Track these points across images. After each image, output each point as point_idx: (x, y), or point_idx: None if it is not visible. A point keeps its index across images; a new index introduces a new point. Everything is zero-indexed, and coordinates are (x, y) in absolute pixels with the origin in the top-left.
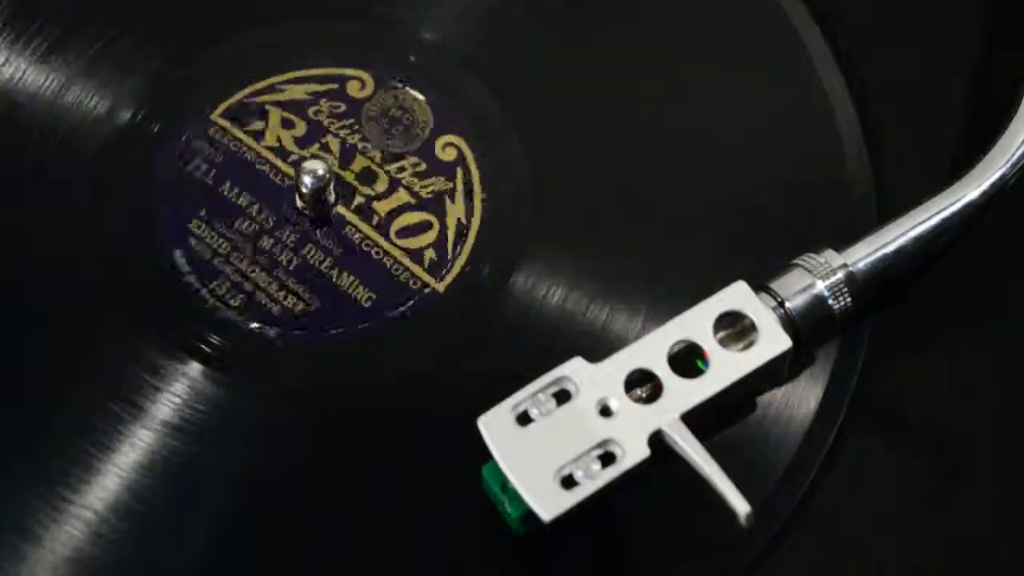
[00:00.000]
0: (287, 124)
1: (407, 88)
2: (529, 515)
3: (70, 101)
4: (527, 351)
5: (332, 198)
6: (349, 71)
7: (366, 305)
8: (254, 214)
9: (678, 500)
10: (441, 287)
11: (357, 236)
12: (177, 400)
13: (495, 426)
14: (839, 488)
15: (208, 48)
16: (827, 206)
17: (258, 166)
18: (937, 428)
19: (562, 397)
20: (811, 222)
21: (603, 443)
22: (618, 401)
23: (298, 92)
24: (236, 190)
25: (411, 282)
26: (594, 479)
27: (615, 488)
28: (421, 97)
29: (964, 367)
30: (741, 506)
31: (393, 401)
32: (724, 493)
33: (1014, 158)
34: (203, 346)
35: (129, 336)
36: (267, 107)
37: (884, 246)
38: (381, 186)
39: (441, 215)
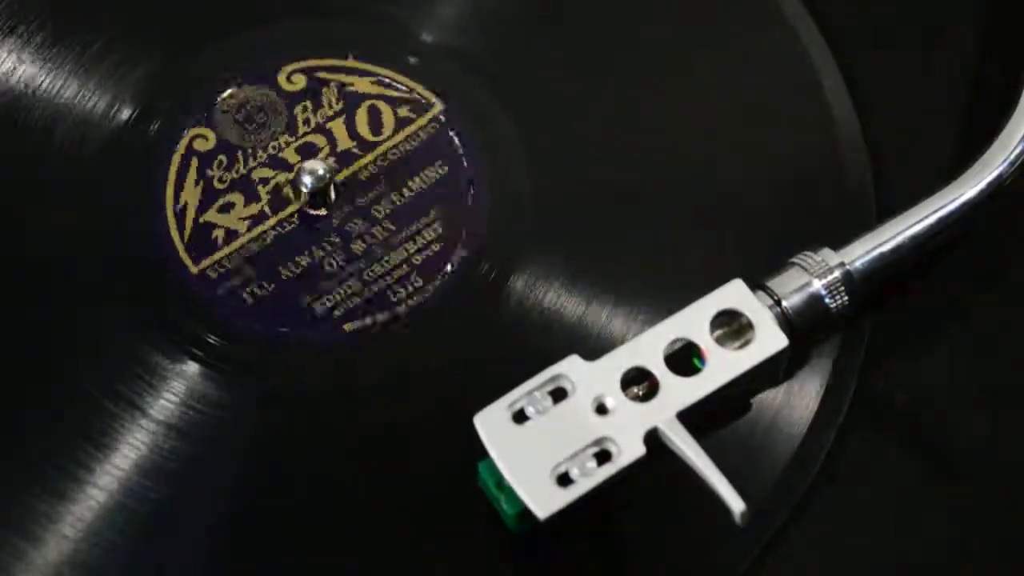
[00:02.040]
0: (227, 208)
1: (220, 99)
2: (525, 512)
3: (70, 100)
4: (526, 351)
5: (334, 193)
6: (186, 139)
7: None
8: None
9: (677, 499)
10: (441, 104)
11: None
12: (176, 400)
13: (491, 424)
14: (839, 488)
15: (207, 48)
16: (826, 205)
17: (267, 242)
18: (937, 428)
19: (558, 395)
20: (810, 221)
21: (599, 441)
22: (614, 399)
23: (193, 192)
24: (290, 265)
25: (429, 128)
26: (590, 477)
27: (611, 486)
28: (232, 89)
29: (964, 366)
30: (736, 504)
31: (392, 400)
32: (719, 491)
33: (1011, 157)
34: (202, 346)
35: (128, 336)
36: (200, 220)
37: (881, 245)
38: (321, 142)
39: (363, 97)
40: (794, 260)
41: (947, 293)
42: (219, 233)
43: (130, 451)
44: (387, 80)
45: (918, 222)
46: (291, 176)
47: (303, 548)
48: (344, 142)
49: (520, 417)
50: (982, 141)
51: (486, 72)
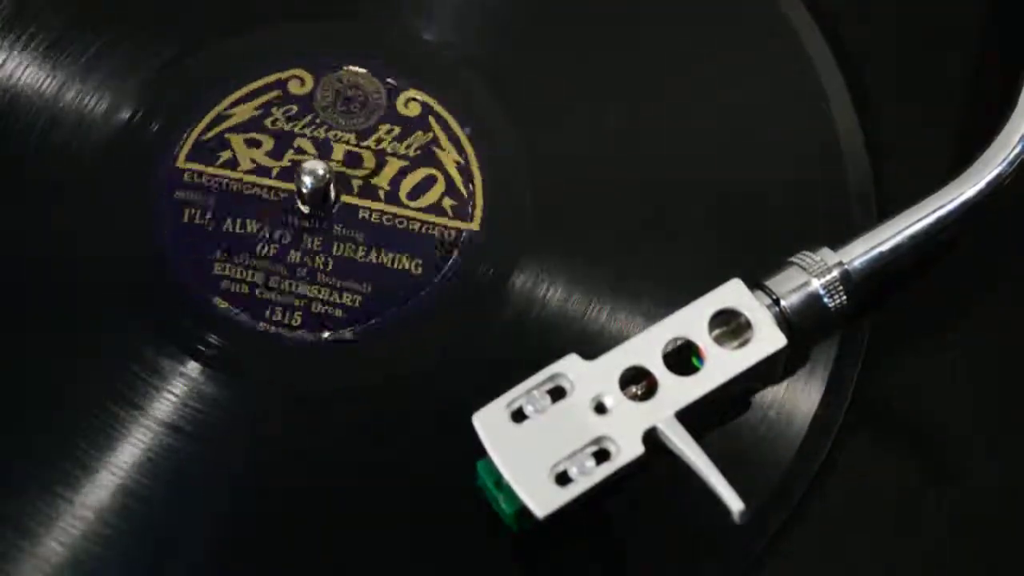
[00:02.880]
0: (253, 144)
1: (344, 67)
2: (523, 511)
3: (70, 101)
4: (526, 350)
5: (333, 192)
6: (285, 73)
7: (417, 272)
8: (268, 236)
9: (678, 499)
10: (476, 225)
11: (374, 216)
12: (176, 400)
13: (490, 423)
14: (839, 489)
15: (208, 48)
16: (826, 205)
17: (247, 192)
18: (937, 428)
19: (557, 394)
20: (810, 221)
21: (598, 440)
22: (613, 398)
23: (247, 111)
24: (239, 221)
25: (445, 234)
26: (588, 476)
27: (610, 485)
28: (363, 70)
29: (964, 366)
30: (735, 503)
31: (391, 400)
32: (718, 490)
33: (1010, 156)
34: (202, 346)
35: (128, 336)
36: (225, 135)
37: (880, 244)
38: (370, 163)
39: (438, 165)
40: (793, 259)
41: (947, 293)
42: (226, 154)
43: (130, 451)
44: (466, 168)
45: (917, 222)
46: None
47: (303, 548)
48: (381, 183)
49: (519, 416)
50: (982, 141)
51: (486, 72)
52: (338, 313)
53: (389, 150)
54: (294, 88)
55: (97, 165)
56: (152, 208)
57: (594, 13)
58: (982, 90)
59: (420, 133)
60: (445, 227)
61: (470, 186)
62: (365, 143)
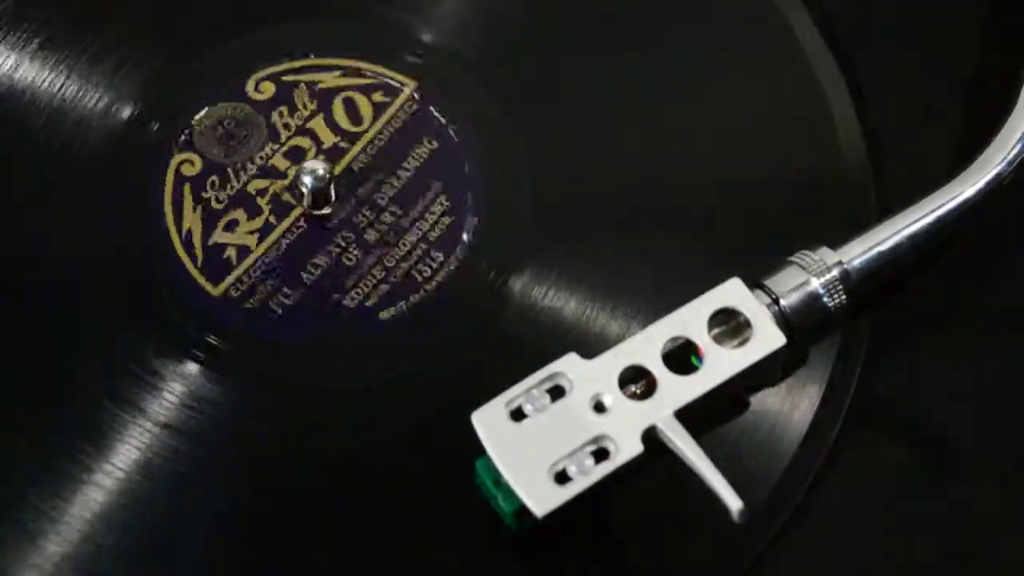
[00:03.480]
0: (232, 227)
1: (192, 123)
2: (522, 510)
3: (70, 101)
4: (526, 350)
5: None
6: (172, 167)
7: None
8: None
9: (677, 498)
10: (413, 82)
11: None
12: (176, 400)
13: (489, 421)
14: (839, 488)
15: (207, 48)
16: (826, 205)
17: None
18: (937, 428)
19: (556, 393)
20: (810, 220)
21: (597, 439)
22: (612, 397)
23: (194, 220)
24: (310, 266)
25: (406, 108)
26: (587, 475)
27: (609, 484)
28: (201, 113)
29: (964, 366)
30: (734, 503)
31: (391, 399)
32: (717, 489)
33: (1010, 156)
34: (201, 346)
35: (128, 336)
36: (210, 244)
37: (879, 244)
38: (307, 143)
39: (333, 93)
40: (792, 259)
41: (947, 293)
42: (231, 252)
43: (130, 451)
44: (353, 69)
45: (916, 221)
46: (287, 182)
47: (302, 547)
48: (329, 138)
49: (518, 415)
50: (981, 140)
51: (486, 72)
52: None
53: (299, 122)
54: (188, 170)
55: (97, 165)
56: (152, 208)
57: (594, 13)
58: (982, 90)
59: (296, 91)
60: (397, 107)
61: (369, 72)
62: (283, 138)
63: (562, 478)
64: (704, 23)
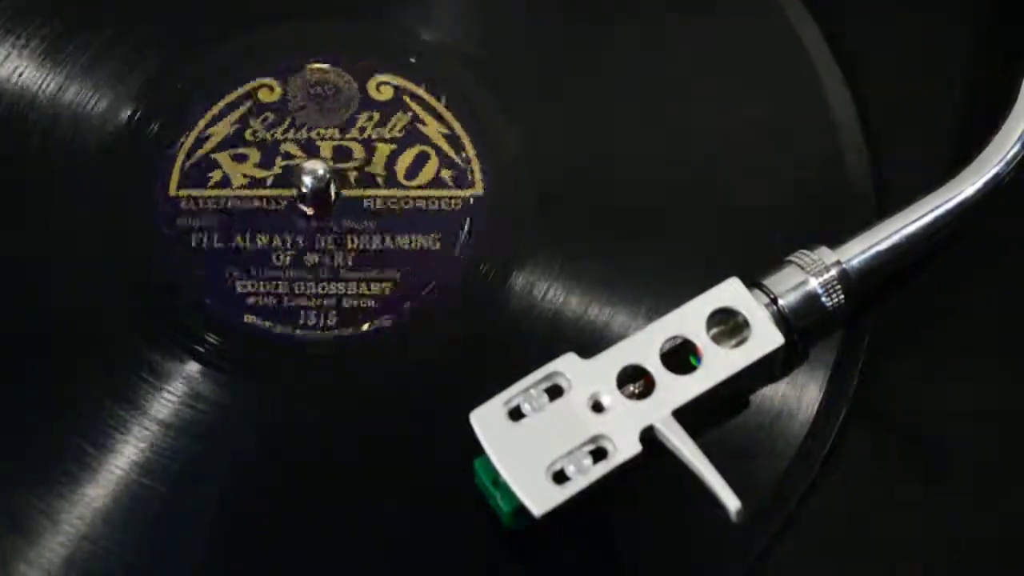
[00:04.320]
0: (240, 159)
1: (308, 66)
2: (521, 509)
3: (69, 101)
4: (526, 350)
5: (333, 190)
6: (252, 84)
7: (437, 248)
8: (281, 245)
9: (676, 498)
10: (481, 190)
11: (378, 203)
12: (176, 399)
13: (487, 421)
14: (839, 489)
15: (207, 48)
16: (825, 205)
17: (247, 206)
18: (937, 428)
19: (554, 392)
20: (809, 220)
21: (595, 438)
22: (610, 397)
23: (224, 128)
24: (248, 236)
25: (452, 204)
26: (585, 474)
27: (607, 484)
28: (325, 65)
29: (963, 366)
30: (732, 502)
31: (390, 399)
32: (715, 489)
33: (1009, 156)
34: (202, 346)
35: (128, 336)
36: (211, 155)
37: (878, 243)
38: (359, 153)
39: (425, 140)
40: (791, 258)
41: (946, 292)
42: (216, 174)
43: (130, 451)
44: (453, 135)
45: (915, 221)
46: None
47: (302, 547)
48: (376, 168)
49: (516, 414)
50: (980, 140)
51: (486, 72)
52: (371, 304)
53: (374, 136)
54: (265, 96)
55: (97, 165)
56: (152, 207)
57: (594, 13)
58: (981, 90)
59: (399, 113)
60: (450, 199)
61: (463, 153)
62: (349, 135)
63: (560, 478)
64: (705, 23)
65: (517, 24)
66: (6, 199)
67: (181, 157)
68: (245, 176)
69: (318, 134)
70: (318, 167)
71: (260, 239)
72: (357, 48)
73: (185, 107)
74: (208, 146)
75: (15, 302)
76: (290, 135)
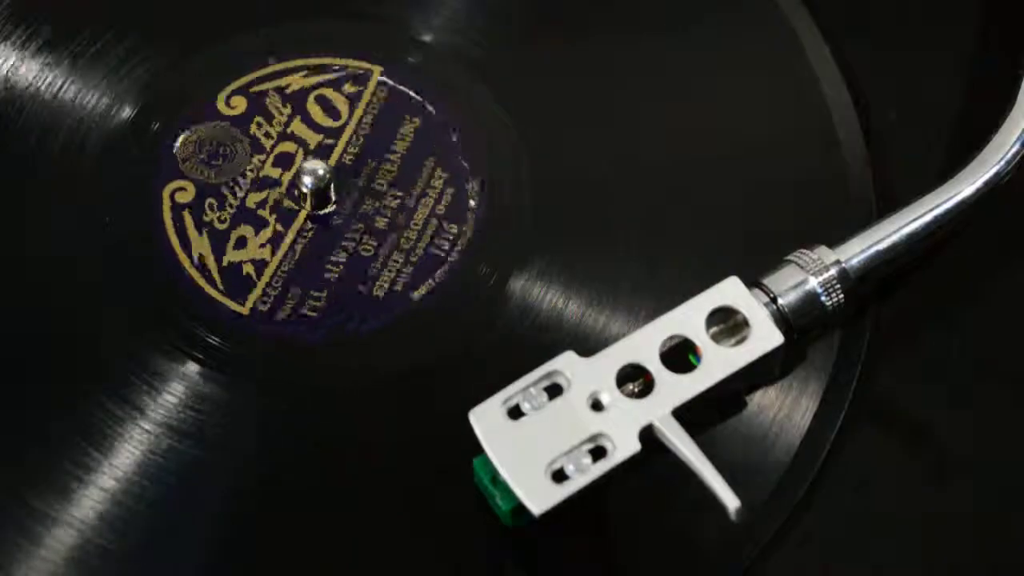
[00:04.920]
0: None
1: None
2: (520, 508)
3: (70, 101)
4: (525, 350)
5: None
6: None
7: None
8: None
9: (676, 497)
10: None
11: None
12: (176, 400)
13: (486, 419)
14: (839, 488)
15: (207, 48)
16: (824, 203)
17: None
18: (937, 427)
19: (554, 391)
20: (809, 220)
21: (594, 437)
22: (610, 395)
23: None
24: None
25: (445, 226)
26: (585, 473)
27: (606, 482)
28: (224, 124)
29: (963, 366)
30: (731, 501)
31: (390, 399)
32: (714, 488)
33: (1008, 155)
34: (202, 346)
35: (129, 336)
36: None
37: (877, 243)
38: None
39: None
40: (790, 258)
41: (946, 292)
42: (249, 268)
43: (130, 451)
44: (316, 66)
45: (914, 220)
46: (283, 189)
47: (302, 546)
48: (313, 138)
49: (515, 413)
50: (980, 139)
51: (486, 72)
52: (371, 303)
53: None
54: (181, 198)
55: (97, 165)
56: (152, 207)
57: (594, 13)
58: (981, 89)
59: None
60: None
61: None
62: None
63: (559, 476)
64: (704, 22)
65: (517, 24)
66: (6, 199)
67: (209, 288)
68: (263, 247)
69: (252, 171)
70: (318, 167)
71: (338, 258)
72: (357, 48)
73: (185, 107)
74: (211, 263)
75: (15, 302)
76: (240, 193)
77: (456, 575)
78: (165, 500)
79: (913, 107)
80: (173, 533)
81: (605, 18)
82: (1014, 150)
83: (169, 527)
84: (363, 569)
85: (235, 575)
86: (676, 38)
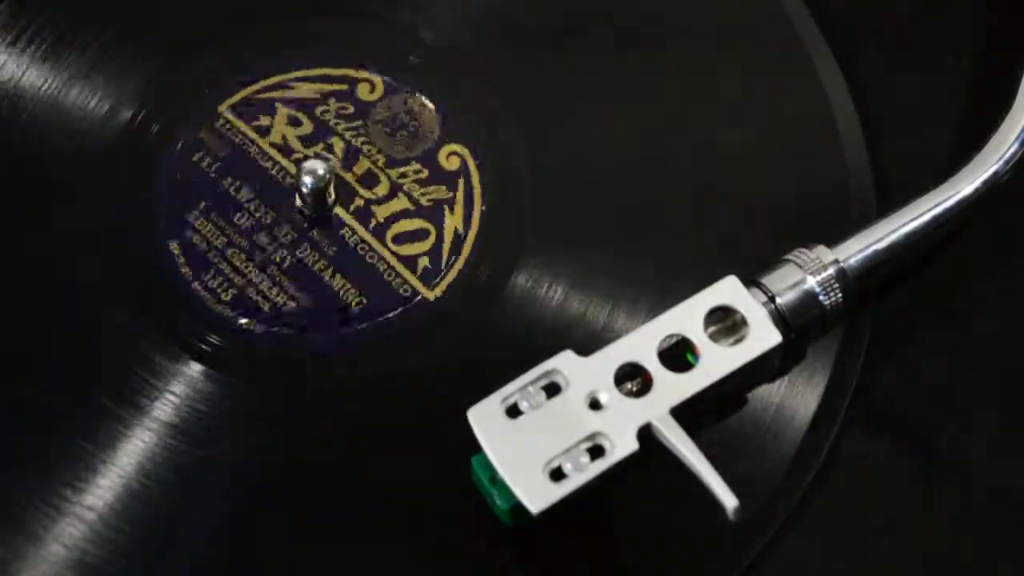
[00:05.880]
0: (293, 122)
1: (418, 94)
2: (518, 507)
3: (70, 101)
4: (525, 349)
5: (332, 199)
6: (362, 73)
7: (355, 309)
8: (253, 210)
9: (676, 497)
10: (431, 296)
11: (353, 239)
12: (177, 400)
13: (485, 418)
14: (839, 488)
15: (208, 49)
16: (823, 202)
17: (261, 162)
18: (937, 426)
19: (552, 390)
20: (808, 219)
21: (592, 436)
22: (608, 394)
23: (308, 91)
24: (237, 184)
25: (402, 288)
26: (583, 472)
27: (604, 481)
28: (431, 105)
29: (963, 365)
30: (729, 500)
31: (390, 398)
32: (712, 487)
33: (1007, 154)
34: (203, 346)
35: (129, 336)
36: (276, 103)
37: (876, 242)
38: (382, 190)
39: (439, 224)
40: (788, 257)
41: (945, 291)
42: (265, 120)
43: (130, 451)
44: (460, 239)
45: (914, 219)
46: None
47: (302, 546)
48: (378, 215)
49: (514, 412)
50: (979, 138)
51: (486, 72)
52: (264, 306)
53: (406, 188)
54: (362, 92)
55: (98, 165)
56: (152, 207)
57: (594, 14)
58: (980, 89)
59: (443, 188)
60: (405, 283)
61: (452, 259)
62: (390, 171)
63: (557, 475)
64: (705, 23)
65: (518, 24)
66: (6, 199)
67: (254, 88)
68: (283, 138)
69: (367, 152)
70: (318, 167)
71: (242, 194)
72: (358, 48)
73: (186, 107)
74: (282, 94)
75: (15, 302)
76: (347, 135)
77: (455, 575)
78: (165, 500)
79: (913, 107)
80: (173, 533)
81: (606, 18)
82: (1013, 149)
83: (169, 527)
84: (363, 569)
85: (235, 575)
86: (677, 39)
